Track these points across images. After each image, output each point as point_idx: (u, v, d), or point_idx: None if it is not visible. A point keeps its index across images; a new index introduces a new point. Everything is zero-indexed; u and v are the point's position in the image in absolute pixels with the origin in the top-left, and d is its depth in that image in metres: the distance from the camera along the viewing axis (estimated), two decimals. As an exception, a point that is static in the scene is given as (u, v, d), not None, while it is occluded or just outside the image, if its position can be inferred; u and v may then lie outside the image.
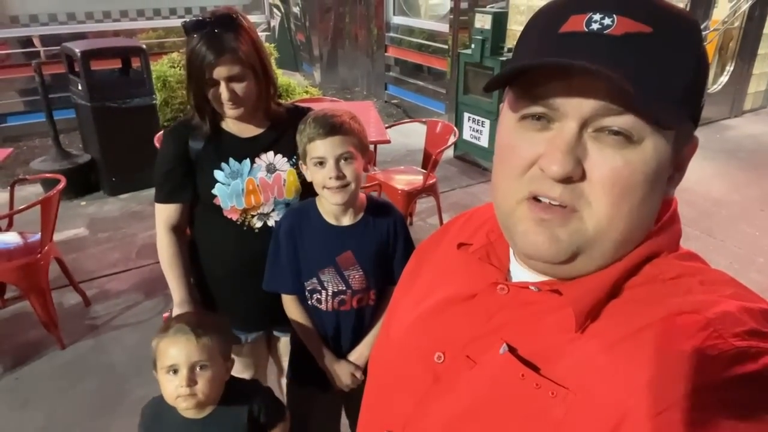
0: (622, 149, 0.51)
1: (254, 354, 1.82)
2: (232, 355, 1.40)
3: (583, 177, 0.52)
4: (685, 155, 0.57)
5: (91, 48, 4.23)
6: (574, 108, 0.51)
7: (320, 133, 1.36)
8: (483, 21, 4.53)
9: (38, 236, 2.78)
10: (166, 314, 1.72)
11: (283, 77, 5.89)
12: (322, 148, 1.37)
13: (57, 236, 3.22)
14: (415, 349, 0.68)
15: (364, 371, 1.52)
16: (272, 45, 6.39)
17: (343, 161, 1.38)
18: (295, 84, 6.02)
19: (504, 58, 4.49)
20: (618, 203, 0.52)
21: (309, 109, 1.65)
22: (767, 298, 0.55)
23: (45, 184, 4.11)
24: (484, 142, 4.89)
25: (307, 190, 1.62)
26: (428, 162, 3.65)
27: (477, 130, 4.93)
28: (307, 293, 1.51)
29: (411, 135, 5.20)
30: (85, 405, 2.45)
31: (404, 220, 1.57)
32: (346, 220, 1.48)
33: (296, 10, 7.74)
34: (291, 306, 1.55)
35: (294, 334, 1.61)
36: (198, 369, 1.27)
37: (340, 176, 1.37)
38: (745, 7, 6.08)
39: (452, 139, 3.76)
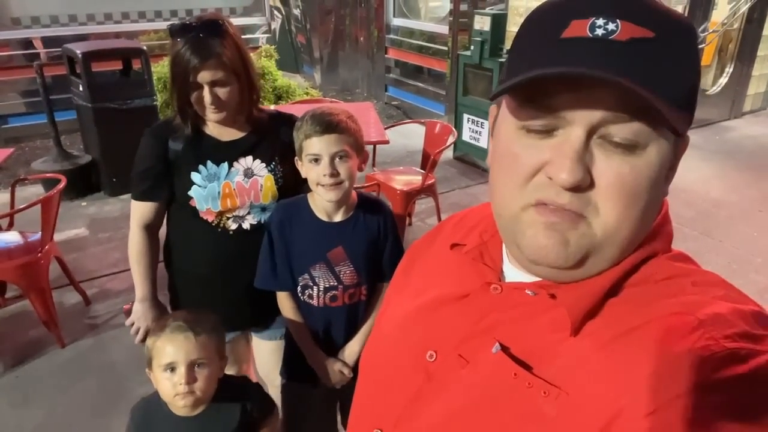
0: (629, 156, 0.51)
1: (233, 354, 1.81)
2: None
3: (591, 184, 0.52)
4: (678, 153, 0.57)
5: (92, 49, 4.25)
6: (583, 116, 0.51)
7: (317, 131, 1.38)
8: (482, 23, 4.55)
9: (39, 235, 2.79)
10: (127, 306, 1.74)
11: (283, 79, 5.91)
12: (318, 145, 1.39)
13: (58, 236, 3.24)
14: (407, 347, 0.68)
15: (354, 368, 1.53)
16: (273, 47, 6.42)
17: (338, 159, 1.39)
18: (296, 86, 6.03)
19: (503, 60, 4.50)
20: (626, 209, 0.52)
21: (291, 116, 1.68)
22: (766, 298, 0.55)
23: (46, 185, 4.13)
24: (483, 143, 4.90)
25: (283, 196, 1.63)
26: (427, 162, 3.66)
27: (476, 131, 4.95)
28: (299, 289, 1.52)
29: (411, 136, 5.21)
30: (84, 403, 2.46)
31: (394, 217, 1.58)
32: (338, 217, 1.49)
33: (297, 12, 7.76)
34: (284, 302, 1.56)
35: (288, 333, 1.62)
36: (196, 367, 1.28)
37: (335, 174, 1.39)
38: (745, 8, 6.08)
39: (451, 140, 3.77)
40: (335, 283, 1.48)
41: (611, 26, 0.49)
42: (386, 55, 6.99)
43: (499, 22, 4.52)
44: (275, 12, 7.60)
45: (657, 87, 0.48)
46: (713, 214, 4.25)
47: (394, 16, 6.82)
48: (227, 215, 1.61)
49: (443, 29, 5.97)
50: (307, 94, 6.05)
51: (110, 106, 4.20)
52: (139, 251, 1.67)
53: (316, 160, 1.40)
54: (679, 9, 5.23)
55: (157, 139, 1.60)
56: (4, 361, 2.70)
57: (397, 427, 0.65)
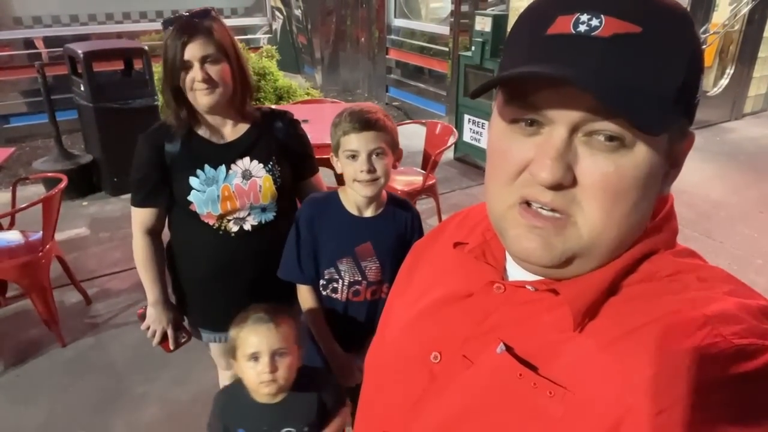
0: (614, 153, 0.50)
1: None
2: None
3: (574, 183, 0.51)
4: (681, 151, 0.56)
5: (93, 49, 4.25)
6: (564, 115, 0.50)
7: (355, 128, 1.41)
8: (483, 23, 4.55)
9: (40, 235, 2.79)
10: (140, 311, 1.76)
11: (284, 79, 5.91)
12: (356, 142, 1.41)
13: (59, 236, 3.24)
14: (411, 348, 0.68)
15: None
16: (274, 47, 6.43)
17: (375, 156, 1.42)
18: (297, 86, 6.04)
19: (504, 60, 4.51)
20: (610, 208, 0.51)
21: (285, 111, 1.69)
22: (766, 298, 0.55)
23: (47, 184, 4.13)
24: (484, 143, 4.90)
25: (283, 196, 1.64)
26: (428, 163, 3.66)
27: (477, 132, 4.95)
28: (323, 282, 1.53)
29: (411, 136, 5.20)
30: (85, 402, 2.47)
31: (420, 218, 1.61)
32: (368, 212, 1.52)
33: (298, 12, 7.77)
34: (306, 296, 1.57)
35: (306, 329, 1.62)
36: (278, 356, 1.33)
37: (372, 170, 1.41)
38: (745, 10, 6.09)
39: (451, 140, 3.77)
40: (360, 278, 1.51)
41: (594, 22, 0.48)
42: (387, 56, 7.00)
43: (500, 23, 4.51)
44: (276, 12, 7.61)
45: (635, 86, 0.47)
46: (713, 215, 4.25)
47: (395, 17, 6.83)
48: (228, 218, 1.61)
49: (444, 30, 5.98)
50: (308, 94, 6.05)
51: (111, 106, 4.20)
52: (145, 256, 1.67)
53: (354, 157, 1.42)
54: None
55: (153, 145, 1.59)
56: (5, 360, 2.71)
57: (403, 429, 0.65)
